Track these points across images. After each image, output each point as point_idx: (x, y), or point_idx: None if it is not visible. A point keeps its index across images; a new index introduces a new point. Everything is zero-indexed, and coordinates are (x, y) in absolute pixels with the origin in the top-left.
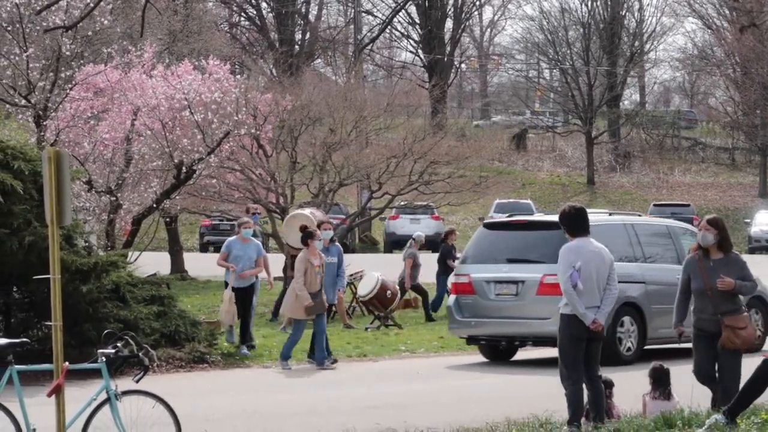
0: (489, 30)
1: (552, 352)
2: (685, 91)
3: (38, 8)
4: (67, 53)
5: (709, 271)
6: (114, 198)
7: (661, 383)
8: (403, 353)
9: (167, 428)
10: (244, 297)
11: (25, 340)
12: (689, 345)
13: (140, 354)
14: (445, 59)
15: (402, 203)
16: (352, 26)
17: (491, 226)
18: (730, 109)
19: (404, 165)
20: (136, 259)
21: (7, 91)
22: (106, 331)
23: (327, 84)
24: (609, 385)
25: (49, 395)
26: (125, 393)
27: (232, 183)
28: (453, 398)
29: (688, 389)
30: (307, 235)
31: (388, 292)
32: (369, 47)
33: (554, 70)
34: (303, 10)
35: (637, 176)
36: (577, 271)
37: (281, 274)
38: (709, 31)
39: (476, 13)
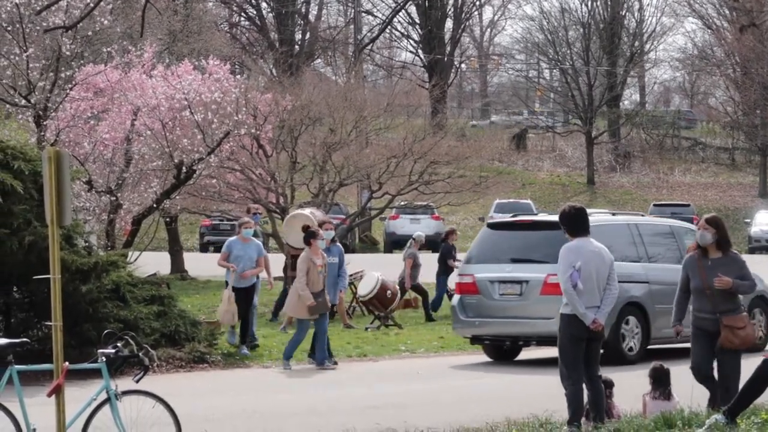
0: (489, 30)
1: (555, 351)
2: (685, 91)
3: (38, 8)
4: (67, 53)
5: (707, 270)
6: (114, 198)
7: (661, 383)
8: (403, 353)
9: (167, 428)
10: (245, 297)
11: (25, 340)
12: (689, 345)
13: (140, 354)
14: (445, 59)
15: (402, 203)
16: (352, 26)
17: (495, 226)
18: (730, 109)
19: (404, 165)
20: (136, 259)
21: (7, 91)
22: (106, 331)
23: (327, 84)
24: (609, 385)
25: (49, 395)
26: (125, 393)
27: (232, 183)
28: (453, 398)
29: (688, 389)
30: (309, 235)
31: (388, 292)
32: (369, 47)
33: (554, 70)
34: (303, 10)
35: (637, 176)
36: (577, 271)
37: (281, 274)
38: (709, 31)
39: (476, 13)
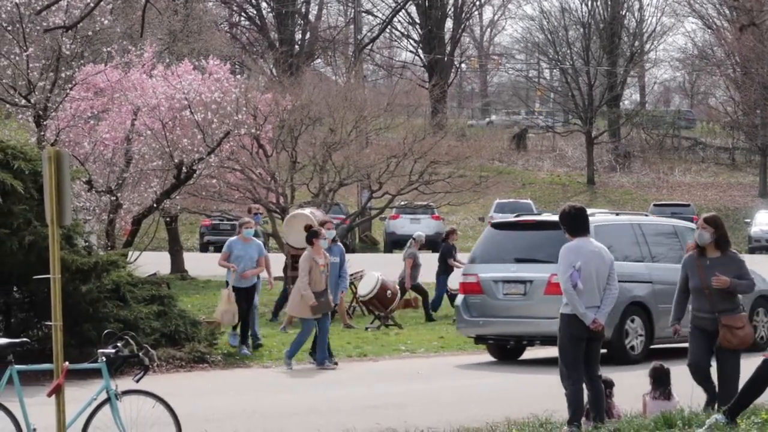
0: (489, 30)
1: (557, 351)
2: (685, 91)
3: (38, 8)
4: (67, 53)
5: (706, 269)
6: (114, 198)
7: (661, 383)
8: (404, 353)
9: (167, 428)
10: (245, 297)
11: (25, 339)
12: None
13: (140, 354)
14: (445, 59)
15: (402, 203)
16: (352, 26)
17: (499, 226)
18: (730, 109)
19: (404, 165)
20: (136, 259)
21: (7, 90)
22: (106, 331)
23: (327, 84)
24: (609, 384)
25: (49, 395)
26: (125, 393)
27: (232, 183)
28: (453, 398)
29: (689, 389)
30: (312, 234)
31: (389, 291)
32: (369, 47)
33: (554, 70)
34: (303, 9)
35: (637, 176)
36: (577, 270)
37: (281, 274)
38: (710, 31)
39: (476, 12)
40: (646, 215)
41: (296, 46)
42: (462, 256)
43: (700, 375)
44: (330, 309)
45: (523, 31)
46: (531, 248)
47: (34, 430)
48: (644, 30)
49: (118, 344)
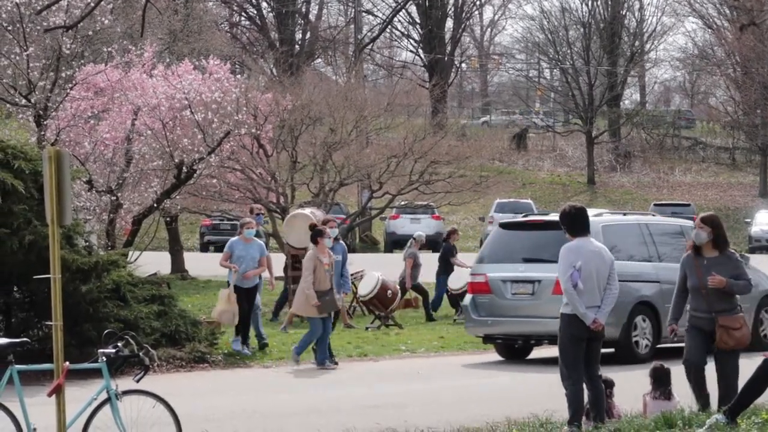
0: (489, 29)
1: None
2: (686, 90)
3: (39, 8)
4: (68, 53)
5: (703, 269)
6: (114, 198)
7: (661, 383)
8: (404, 353)
9: (167, 428)
10: (246, 297)
11: (25, 339)
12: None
13: (141, 354)
14: (446, 59)
15: (402, 203)
16: (352, 26)
17: (507, 226)
18: (730, 109)
19: (405, 164)
20: (136, 259)
21: (7, 90)
22: (106, 331)
23: (327, 84)
24: (609, 384)
25: (50, 395)
26: (126, 393)
27: (233, 183)
28: (453, 398)
29: (689, 389)
30: (316, 233)
31: (389, 291)
32: (369, 47)
33: (554, 70)
34: (303, 9)
35: (638, 176)
36: (578, 270)
37: (281, 274)
38: (710, 30)
39: (476, 12)
40: (654, 215)
41: (296, 46)
42: (462, 256)
43: (695, 374)
44: (336, 308)
45: (524, 30)
46: (539, 248)
47: (35, 429)
48: (644, 30)
49: (119, 344)
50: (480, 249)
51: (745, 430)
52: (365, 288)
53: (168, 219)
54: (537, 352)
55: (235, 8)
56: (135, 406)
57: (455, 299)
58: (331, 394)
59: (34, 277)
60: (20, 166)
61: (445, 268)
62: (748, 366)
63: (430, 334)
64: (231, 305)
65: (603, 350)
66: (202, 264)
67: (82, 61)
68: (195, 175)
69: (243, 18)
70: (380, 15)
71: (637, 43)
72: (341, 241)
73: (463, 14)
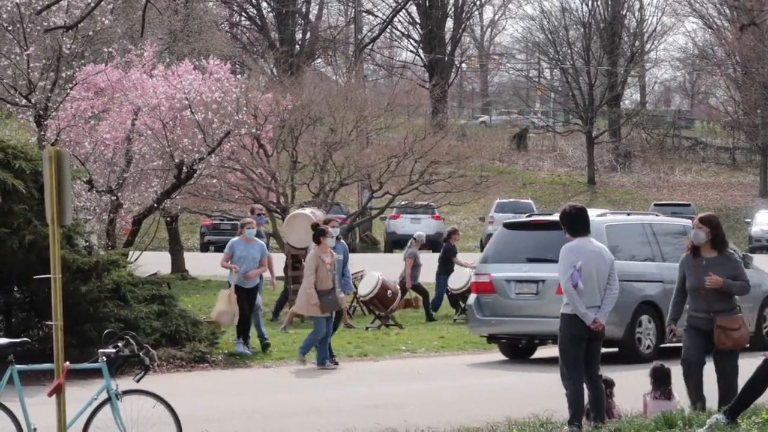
0: (489, 29)
1: None
2: (686, 90)
3: (39, 8)
4: (68, 53)
5: (701, 269)
6: (115, 197)
7: (661, 383)
8: (404, 353)
9: (168, 428)
10: (247, 297)
11: (25, 339)
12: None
13: (141, 353)
14: (446, 59)
15: (403, 203)
16: (352, 26)
17: (511, 226)
18: (730, 109)
19: (405, 164)
20: (136, 259)
21: (7, 90)
22: (106, 331)
23: (327, 84)
24: (609, 384)
25: (50, 395)
26: (126, 393)
27: (233, 183)
28: (453, 398)
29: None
30: (319, 233)
31: (389, 291)
32: (369, 47)
33: (555, 70)
34: (303, 9)
35: (638, 176)
36: (578, 270)
37: (282, 274)
38: (710, 30)
39: (477, 12)
40: (657, 215)
41: (297, 46)
42: (462, 256)
43: (694, 374)
44: (339, 308)
45: (524, 30)
46: (543, 248)
47: (35, 429)
48: (645, 30)
49: (119, 344)
50: (482, 249)
51: (746, 430)
52: (365, 288)
53: (168, 219)
54: (541, 352)
55: (235, 8)
56: (135, 406)
57: (455, 299)
58: (331, 394)
59: (35, 276)
60: (21, 166)
61: (445, 268)
62: (748, 366)
63: (430, 334)
64: (231, 306)
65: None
66: (202, 264)
67: (83, 61)
68: (195, 175)
69: (243, 18)
70: (380, 15)
71: (637, 43)
72: (342, 241)
73: (464, 14)
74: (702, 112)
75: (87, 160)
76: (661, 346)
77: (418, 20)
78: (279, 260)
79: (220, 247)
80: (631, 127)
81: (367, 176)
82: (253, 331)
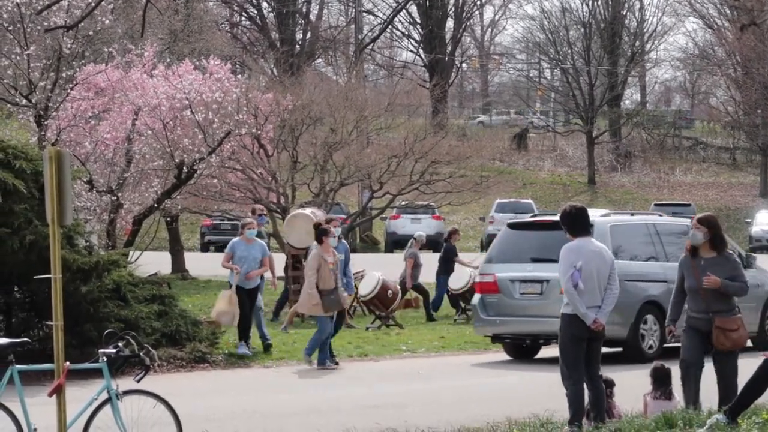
0: (490, 29)
1: None
2: (686, 90)
3: (39, 8)
4: (68, 53)
5: (700, 269)
6: (115, 198)
7: (662, 383)
8: (404, 353)
9: (168, 428)
10: (248, 297)
11: (26, 339)
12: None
13: (141, 354)
14: (446, 59)
15: (403, 203)
16: (352, 26)
17: (515, 226)
18: (731, 109)
19: (405, 165)
20: (137, 259)
21: (8, 90)
22: (107, 331)
23: (328, 84)
24: (609, 384)
25: (50, 395)
26: (126, 393)
27: (233, 183)
28: (453, 398)
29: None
30: (321, 233)
31: (389, 291)
32: (370, 47)
33: (555, 70)
34: (304, 9)
35: (638, 176)
36: (578, 270)
37: (282, 274)
38: (710, 30)
39: (477, 12)
40: (661, 215)
41: (297, 46)
42: (463, 256)
43: (690, 374)
44: (341, 307)
45: (524, 30)
46: (547, 248)
47: (35, 430)
48: (645, 30)
49: (119, 344)
50: (482, 249)
51: (746, 430)
52: (366, 288)
53: (168, 219)
54: (545, 352)
55: (236, 8)
56: (135, 406)
57: (456, 299)
58: (331, 394)
59: (35, 277)
60: (21, 166)
61: (446, 268)
62: (748, 366)
63: (430, 334)
64: (231, 307)
65: (609, 350)
66: (202, 264)
67: (83, 61)
68: (195, 175)
69: (243, 18)
70: (381, 15)
71: (637, 43)
72: (343, 241)
73: (464, 14)
74: (702, 112)
75: (87, 160)
76: (665, 345)
77: (418, 20)
78: (279, 260)
79: (220, 247)
80: (631, 127)
81: (368, 176)
82: (254, 332)
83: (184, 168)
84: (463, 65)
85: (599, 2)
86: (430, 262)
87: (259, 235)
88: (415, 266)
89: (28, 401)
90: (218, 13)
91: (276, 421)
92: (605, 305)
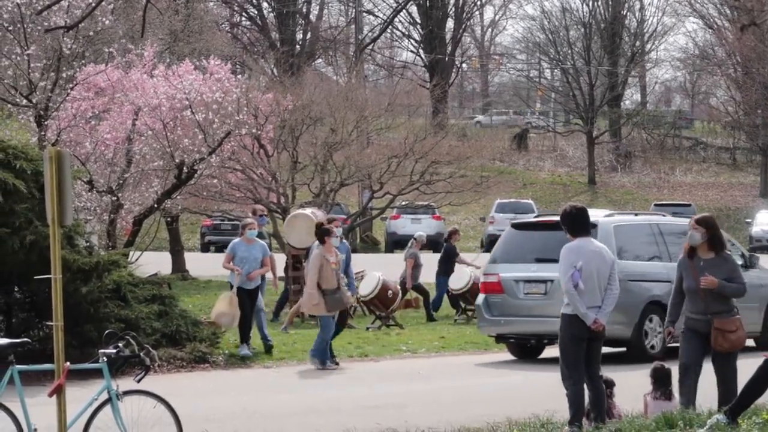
0: (490, 30)
1: None
2: (686, 90)
3: (39, 8)
4: (68, 53)
5: (698, 270)
6: (115, 198)
7: (662, 383)
8: (405, 353)
9: (168, 428)
10: (250, 298)
11: (26, 340)
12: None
13: (141, 354)
14: (446, 59)
15: (403, 203)
16: (353, 26)
17: (519, 227)
18: (731, 109)
19: (405, 165)
20: (137, 259)
21: (8, 90)
22: (107, 331)
23: (328, 84)
24: (610, 384)
25: (51, 395)
26: (126, 393)
27: (234, 183)
28: (453, 398)
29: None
30: (324, 232)
31: (390, 292)
32: (370, 47)
33: (555, 70)
34: (304, 9)
35: (638, 176)
36: (578, 270)
37: (282, 274)
38: (710, 30)
39: (477, 12)
40: (664, 215)
41: (297, 46)
42: (463, 256)
43: (688, 376)
44: (344, 307)
45: (524, 31)
46: (551, 248)
47: (35, 430)
48: (645, 30)
49: (119, 344)
50: (482, 249)
51: (746, 430)
52: (366, 288)
53: (169, 219)
54: (548, 352)
55: (236, 8)
56: (136, 406)
57: (456, 299)
58: (331, 394)
59: (35, 277)
60: (21, 166)
61: (446, 268)
62: (749, 366)
63: (430, 334)
64: (231, 309)
65: (612, 350)
66: (202, 264)
67: (83, 62)
68: (196, 175)
69: (244, 18)
70: (381, 15)
71: (637, 43)
72: (344, 241)
73: (464, 14)
74: (702, 113)
75: (87, 160)
76: (669, 345)
77: (418, 20)
78: (280, 261)
79: (220, 248)
80: (631, 127)
81: (368, 176)
82: (254, 332)
83: (185, 168)
84: (464, 65)
85: (599, 2)
86: (430, 262)
87: (260, 235)
88: (416, 266)
89: (29, 401)
90: (218, 13)
91: (276, 422)
92: (605, 305)
